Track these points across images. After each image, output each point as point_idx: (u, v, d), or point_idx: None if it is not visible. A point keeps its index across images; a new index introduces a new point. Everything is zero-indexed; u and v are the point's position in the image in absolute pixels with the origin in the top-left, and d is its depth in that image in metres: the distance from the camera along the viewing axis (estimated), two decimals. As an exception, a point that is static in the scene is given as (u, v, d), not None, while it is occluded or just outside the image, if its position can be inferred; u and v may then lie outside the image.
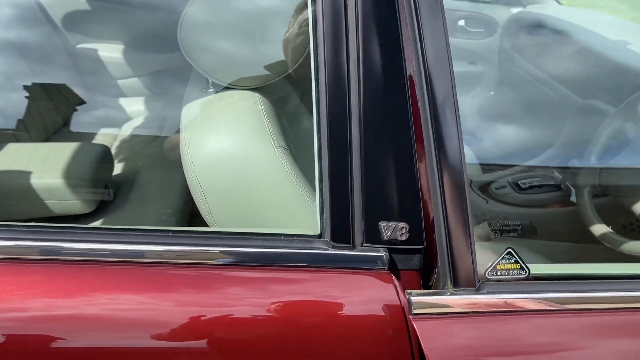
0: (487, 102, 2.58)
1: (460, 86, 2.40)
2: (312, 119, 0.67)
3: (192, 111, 0.86)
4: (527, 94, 2.44)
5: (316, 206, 0.65)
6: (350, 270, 0.65)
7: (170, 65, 2.10)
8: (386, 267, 0.65)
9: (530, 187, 1.77)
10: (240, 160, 0.78)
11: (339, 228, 0.64)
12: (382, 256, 0.64)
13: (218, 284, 0.64)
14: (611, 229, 1.32)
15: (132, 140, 1.94)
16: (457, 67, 2.44)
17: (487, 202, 1.73)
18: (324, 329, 0.63)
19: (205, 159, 0.78)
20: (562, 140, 1.93)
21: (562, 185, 1.75)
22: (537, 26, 2.22)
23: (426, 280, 0.69)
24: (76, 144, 1.58)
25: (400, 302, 0.64)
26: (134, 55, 2.25)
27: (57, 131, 1.87)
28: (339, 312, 0.64)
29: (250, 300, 0.64)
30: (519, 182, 1.80)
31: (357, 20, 0.61)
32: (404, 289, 0.65)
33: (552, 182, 1.79)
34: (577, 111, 1.86)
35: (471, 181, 1.86)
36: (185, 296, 0.63)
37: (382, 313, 0.63)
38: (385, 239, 0.65)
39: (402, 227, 0.65)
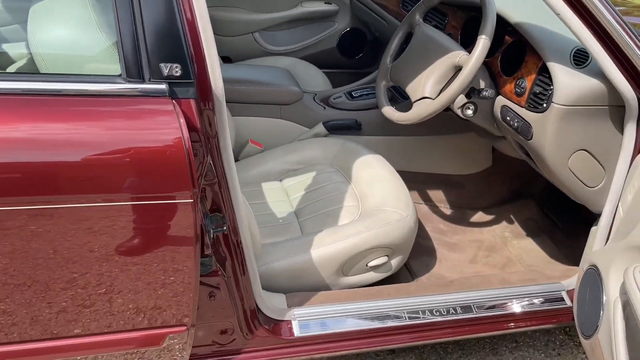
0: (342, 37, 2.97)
1: (320, 24, 2.74)
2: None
3: (36, 11, 1.15)
4: (372, 28, 2.85)
5: (118, 56, 0.98)
6: (143, 97, 0.98)
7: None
8: (167, 95, 0.99)
9: (360, 96, 2.18)
10: (72, 39, 1.10)
11: (133, 69, 0.97)
12: (164, 88, 0.99)
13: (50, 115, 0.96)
14: (394, 108, 1.74)
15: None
16: (315, 7, 2.80)
17: (324, 108, 2.13)
18: (128, 142, 0.97)
19: (47, 40, 1.09)
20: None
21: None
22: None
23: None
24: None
25: (177, 116, 0.99)
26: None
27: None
28: (138, 124, 0.98)
29: (74, 122, 0.96)
30: (352, 92, 2.21)
31: None
32: (182, 111, 1.00)
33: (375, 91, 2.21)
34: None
35: (315, 94, 2.25)
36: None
37: (167, 123, 0.98)
38: (165, 75, 0.99)
39: (176, 67, 0.99)
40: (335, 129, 2.07)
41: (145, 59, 0.97)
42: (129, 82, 0.98)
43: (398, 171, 2.08)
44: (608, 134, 1.43)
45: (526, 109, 1.50)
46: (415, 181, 2.22)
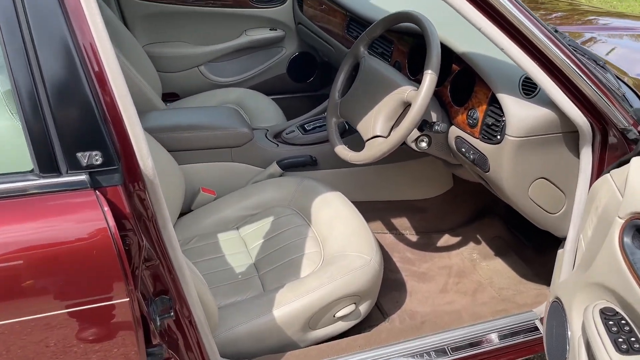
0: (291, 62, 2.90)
1: (268, 51, 2.64)
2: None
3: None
4: (320, 52, 2.79)
5: (28, 150, 0.88)
6: (61, 192, 0.88)
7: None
8: (89, 186, 0.89)
9: (314, 128, 2.11)
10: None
11: (47, 162, 0.87)
12: (84, 179, 0.89)
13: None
14: (347, 147, 1.67)
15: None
16: (260, 34, 2.70)
17: (277, 145, 2.05)
18: (47, 246, 0.87)
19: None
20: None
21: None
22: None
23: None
24: None
25: (102, 207, 0.89)
26: None
27: None
28: (56, 224, 0.88)
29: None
30: (305, 125, 2.13)
31: (27, 22, 0.84)
32: (107, 199, 0.91)
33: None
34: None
35: (267, 130, 2.17)
36: None
37: (90, 218, 0.88)
38: (84, 165, 0.89)
39: (96, 154, 0.89)
40: (290, 167, 1.99)
41: (59, 150, 0.88)
42: (43, 177, 0.88)
43: (359, 202, 2.01)
44: (565, 159, 1.40)
45: (480, 141, 1.45)
46: (378, 210, 2.16)
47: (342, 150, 1.65)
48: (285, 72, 2.92)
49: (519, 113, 1.32)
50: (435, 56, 1.40)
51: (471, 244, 2.13)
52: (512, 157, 1.36)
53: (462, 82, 1.57)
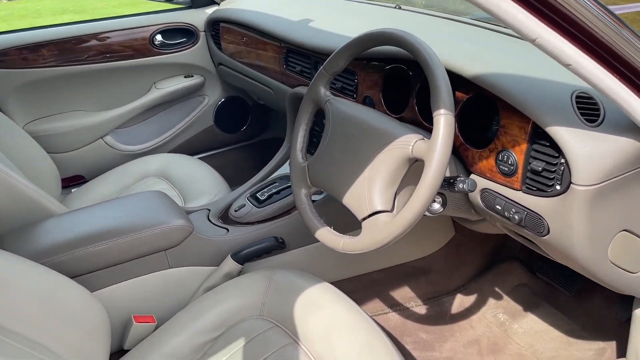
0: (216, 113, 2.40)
1: (187, 103, 2.12)
2: None
3: None
4: (254, 96, 2.32)
5: None
6: None
7: None
8: None
9: (269, 197, 1.61)
10: None
11: None
12: None
13: None
14: (332, 228, 1.18)
15: None
16: (174, 84, 2.15)
17: (227, 231, 1.53)
18: None
19: None
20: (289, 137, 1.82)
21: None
22: (234, 22, 2.07)
23: None
24: None
25: None
26: None
27: None
28: None
29: None
30: (257, 195, 1.63)
31: None
32: None
33: (288, 184, 1.65)
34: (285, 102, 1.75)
35: (208, 210, 1.65)
36: None
37: None
38: None
39: None
40: (250, 258, 1.48)
41: None
42: None
43: (351, 279, 1.54)
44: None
45: (525, 194, 1.02)
46: (372, 284, 1.68)
47: (329, 236, 1.16)
48: (213, 124, 2.42)
49: (591, 151, 0.90)
50: (445, 89, 0.96)
51: (491, 301, 1.70)
52: (587, 212, 0.93)
53: (475, 115, 1.13)
